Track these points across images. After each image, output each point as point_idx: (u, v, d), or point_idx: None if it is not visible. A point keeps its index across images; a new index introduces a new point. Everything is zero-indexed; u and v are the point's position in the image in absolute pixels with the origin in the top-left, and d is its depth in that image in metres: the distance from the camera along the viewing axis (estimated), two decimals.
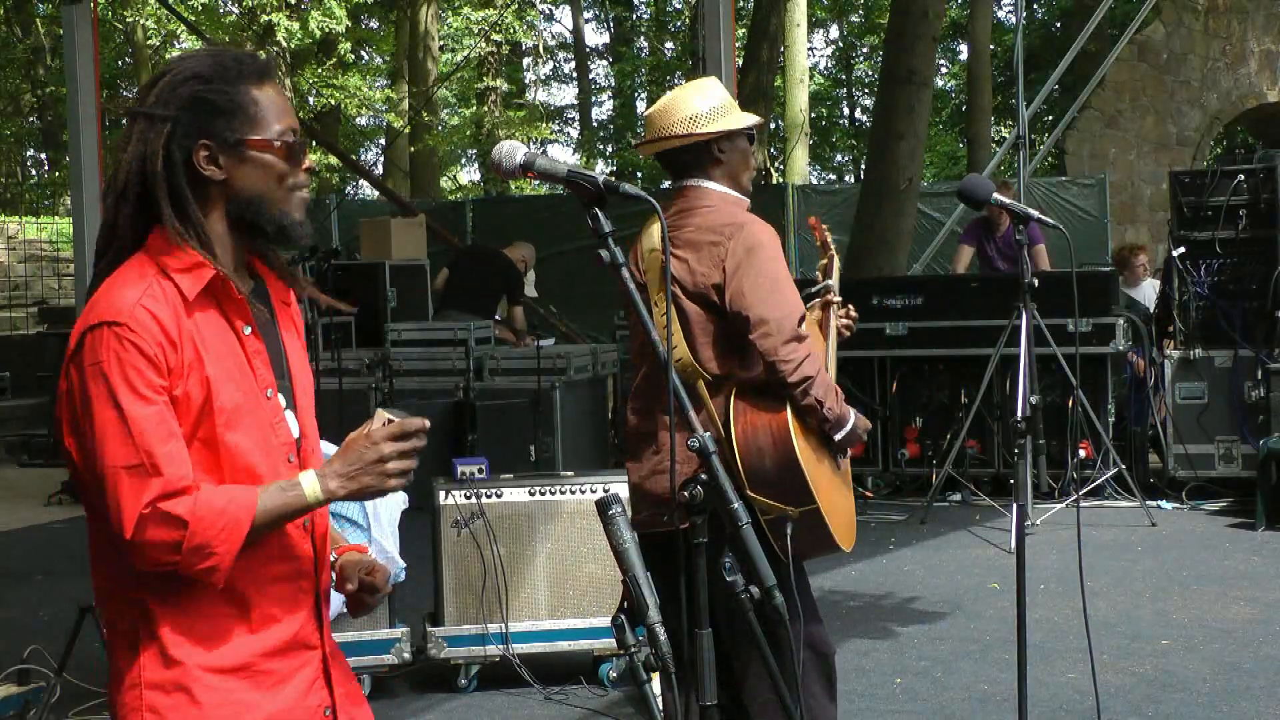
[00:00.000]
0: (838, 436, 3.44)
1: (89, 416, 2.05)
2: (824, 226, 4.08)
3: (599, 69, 34.68)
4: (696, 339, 3.45)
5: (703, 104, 3.51)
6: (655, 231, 3.55)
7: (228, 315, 2.17)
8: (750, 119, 3.57)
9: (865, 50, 33.13)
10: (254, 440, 2.15)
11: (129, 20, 21.57)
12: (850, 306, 3.85)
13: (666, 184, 3.81)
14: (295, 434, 2.23)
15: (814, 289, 3.84)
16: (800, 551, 3.37)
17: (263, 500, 2.08)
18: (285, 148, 2.18)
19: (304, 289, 2.34)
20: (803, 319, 3.41)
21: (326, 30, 20.97)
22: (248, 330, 2.19)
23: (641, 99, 33.41)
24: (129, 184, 2.15)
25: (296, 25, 20.45)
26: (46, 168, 30.94)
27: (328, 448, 2.43)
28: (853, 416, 3.48)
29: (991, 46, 21.37)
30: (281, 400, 2.22)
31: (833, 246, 3.99)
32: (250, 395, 2.16)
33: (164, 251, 2.13)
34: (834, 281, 3.85)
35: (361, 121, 28.83)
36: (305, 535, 2.23)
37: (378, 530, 5.04)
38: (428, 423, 2.13)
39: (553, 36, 33.49)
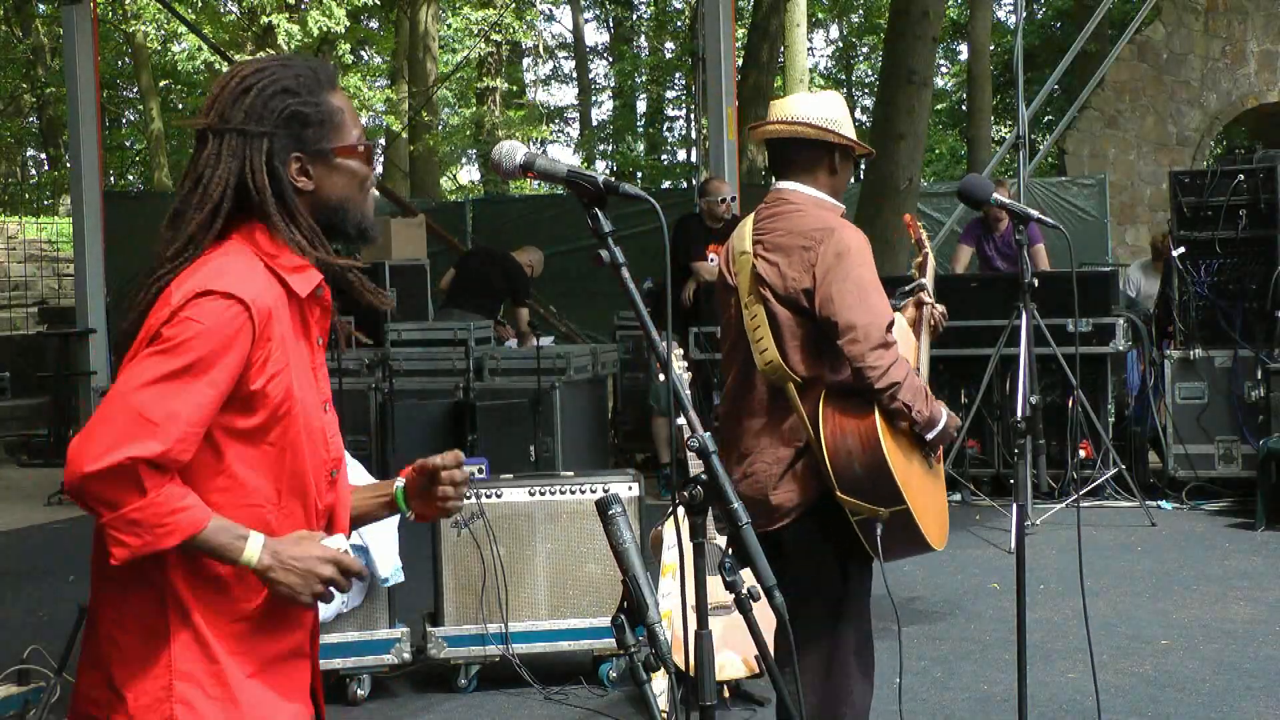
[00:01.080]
0: (929, 436, 3.48)
1: (154, 355, 2.02)
2: (919, 224, 4.10)
3: (599, 69, 34.69)
4: (786, 342, 3.48)
5: (840, 113, 3.59)
6: (747, 233, 3.59)
7: (308, 324, 2.20)
8: (865, 146, 3.66)
9: (865, 50, 33.13)
10: (311, 450, 2.17)
11: (130, 29, 21.58)
12: (941, 305, 3.86)
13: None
14: (339, 452, 2.26)
15: (907, 287, 3.87)
16: (891, 552, 3.43)
17: (210, 529, 2.04)
18: (366, 151, 2.23)
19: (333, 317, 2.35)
20: (891, 325, 3.41)
21: (326, 30, 20.96)
22: (320, 342, 2.23)
23: (641, 99, 33.42)
24: (223, 199, 2.14)
25: (296, 28, 20.46)
26: (46, 168, 30.94)
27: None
28: (944, 416, 3.49)
29: (991, 46, 21.35)
30: (334, 417, 2.26)
31: (928, 244, 4.01)
32: (314, 406, 2.19)
33: (271, 251, 2.15)
34: (928, 279, 3.87)
35: (361, 121, 28.80)
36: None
37: (378, 530, 5.03)
38: (366, 575, 2.19)
39: (553, 36, 33.52)
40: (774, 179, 3.68)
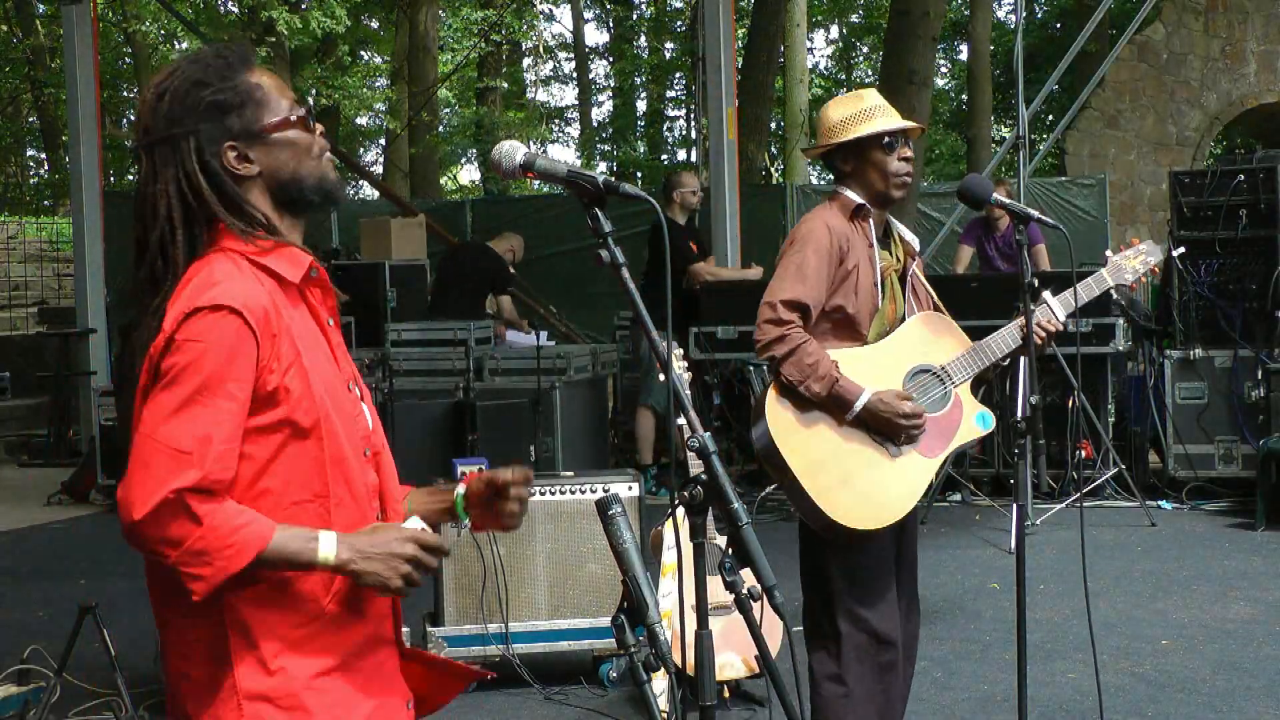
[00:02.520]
0: (848, 416, 3.59)
1: (166, 388, 2.00)
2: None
3: (599, 69, 34.68)
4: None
5: (837, 115, 3.75)
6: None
7: (312, 306, 2.18)
8: (872, 127, 3.70)
9: (865, 50, 33.11)
10: (347, 433, 2.14)
11: (131, 28, 21.57)
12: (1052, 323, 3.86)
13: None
14: (370, 426, 2.23)
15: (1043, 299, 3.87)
16: (806, 521, 3.63)
17: (279, 538, 2.01)
18: (301, 120, 2.19)
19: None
20: (792, 304, 3.59)
21: (327, 29, 20.96)
22: (330, 322, 2.20)
23: (641, 99, 33.40)
24: (171, 212, 2.11)
25: (297, 20, 20.44)
26: (46, 168, 30.92)
27: None
28: (861, 399, 3.58)
29: (991, 47, 21.35)
30: (357, 393, 2.23)
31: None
32: (338, 386, 2.16)
33: (245, 246, 2.11)
34: (1054, 306, 3.88)
35: (361, 121, 28.82)
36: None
37: None
38: (450, 549, 2.15)
39: (553, 36, 33.50)
40: None
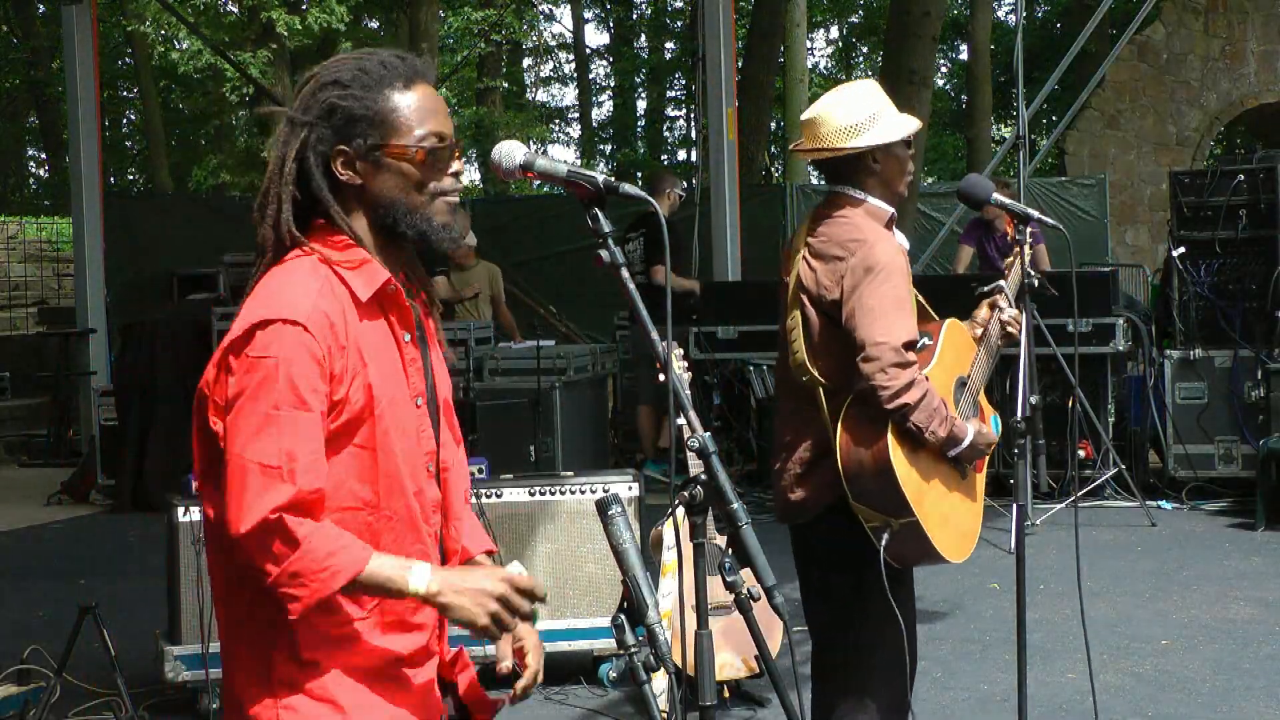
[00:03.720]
0: (952, 453, 3.42)
1: (244, 406, 2.03)
2: (1013, 224, 4.01)
3: (599, 69, 34.68)
4: (816, 347, 3.46)
5: (860, 114, 3.49)
6: (804, 231, 3.58)
7: (391, 321, 2.18)
8: (906, 128, 3.54)
9: (865, 50, 33.12)
10: (403, 448, 2.16)
11: (130, 27, 21.55)
12: (1014, 308, 3.79)
13: None
14: (435, 444, 2.25)
15: (986, 288, 3.82)
16: (903, 559, 3.44)
17: (374, 564, 2.05)
18: (425, 153, 2.16)
19: (437, 298, 2.36)
20: (912, 344, 3.37)
21: (325, 25, 20.92)
22: (407, 338, 2.20)
23: (641, 99, 33.42)
24: (270, 185, 2.16)
25: (297, 20, 20.41)
26: (47, 168, 30.93)
27: None
28: (968, 435, 3.42)
29: (991, 46, 21.35)
30: (427, 410, 2.24)
31: (1022, 246, 3.94)
32: (404, 402, 2.17)
33: (332, 248, 2.14)
34: (1009, 282, 3.82)
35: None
36: (435, 544, 2.24)
37: None
38: (545, 593, 2.14)
39: (553, 37, 33.51)
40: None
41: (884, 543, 3.33)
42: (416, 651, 2.20)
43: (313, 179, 2.15)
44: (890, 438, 3.33)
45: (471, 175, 33.02)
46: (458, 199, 2.23)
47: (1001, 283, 3.81)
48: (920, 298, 3.66)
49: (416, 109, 2.16)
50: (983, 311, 3.79)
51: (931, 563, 3.51)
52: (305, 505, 2.02)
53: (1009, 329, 3.76)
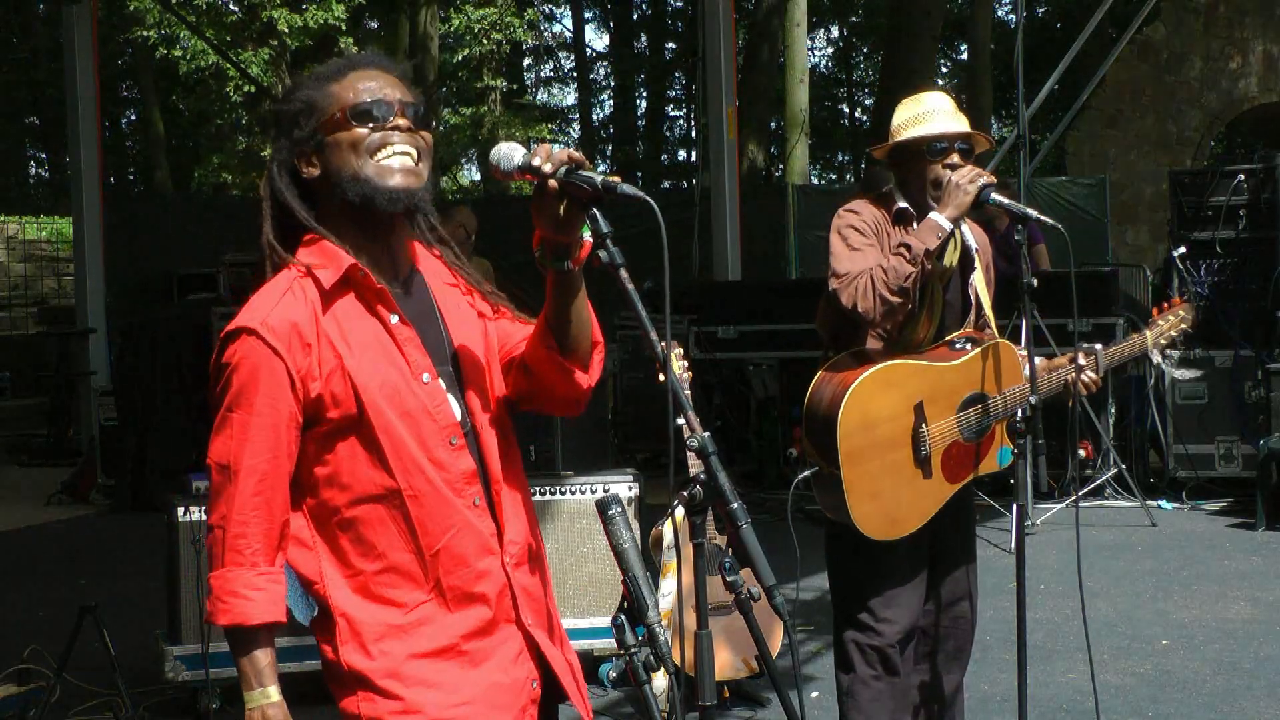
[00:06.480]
0: (932, 246, 3.50)
1: (215, 411, 2.16)
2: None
3: (599, 69, 34.69)
4: (822, 313, 3.76)
5: (896, 118, 3.71)
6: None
7: (370, 305, 2.20)
8: (917, 132, 3.63)
9: (865, 50, 33.13)
10: (410, 427, 2.17)
11: (133, 33, 21.53)
12: (1096, 375, 3.81)
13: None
14: (458, 416, 2.24)
15: (1085, 345, 3.84)
16: (826, 508, 3.61)
17: (252, 642, 2.12)
18: (352, 111, 2.18)
19: (452, 251, 2.37)
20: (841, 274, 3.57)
21: (323, 22, 20.92)
22: (394, 319, 2.20)
23: (641, 99, 33.42)
24: (266, 210, 2.24)
25: (298, 20, 20.42)
26: (47, 168, 30.93)
27: None
28: (924, 240, 3.50)
29: (991, 46, 21.35)
30: (443, 384, 2.23)
31: (1153, 329, 4.00)
32: (403, 382, 2.18)
33: (308, 252, 2.21)
34: (1111, 351, 3.86)
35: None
36: (483, 511, 2.23)
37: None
38: None
39: (553, 37, 33.51)
40: None
41: (802, 475, 3.58)
42: (484, 622, 2.21)
43: (282, 191, 2.22)
44: (854, 389, 3.50)
45: (472, 175, 32.99)
46: (410, 159, 2.20)
47: (1099, 348, 3.82)
48: (988, 306, 3.82)
49: (347, 87, 2.21)
50: (1063, 360, 3.80)
51: (846, 525, 3.59)
52: (250, 508, 2.13)
53: (1072, 386, 3.77)
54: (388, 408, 2.16)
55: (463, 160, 32.72)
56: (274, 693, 2.12)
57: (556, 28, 33.77)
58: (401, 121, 2.19)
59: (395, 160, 2.19)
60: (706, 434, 2.18)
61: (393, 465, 2.15)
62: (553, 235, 2.15)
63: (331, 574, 2.18)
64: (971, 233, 3.84)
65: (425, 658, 2.15)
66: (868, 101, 32.27)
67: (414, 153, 2.20)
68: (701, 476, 2.19)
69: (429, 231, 2.33)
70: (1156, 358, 3.99)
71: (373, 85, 2.21)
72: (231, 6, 21.55)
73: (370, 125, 2.18)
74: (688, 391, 2.19)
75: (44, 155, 31.65)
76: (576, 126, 34.15)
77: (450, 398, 2.24)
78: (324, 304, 2.17)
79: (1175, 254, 8.83)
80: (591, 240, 2.18)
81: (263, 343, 2.11)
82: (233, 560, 2.12)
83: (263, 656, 2.12)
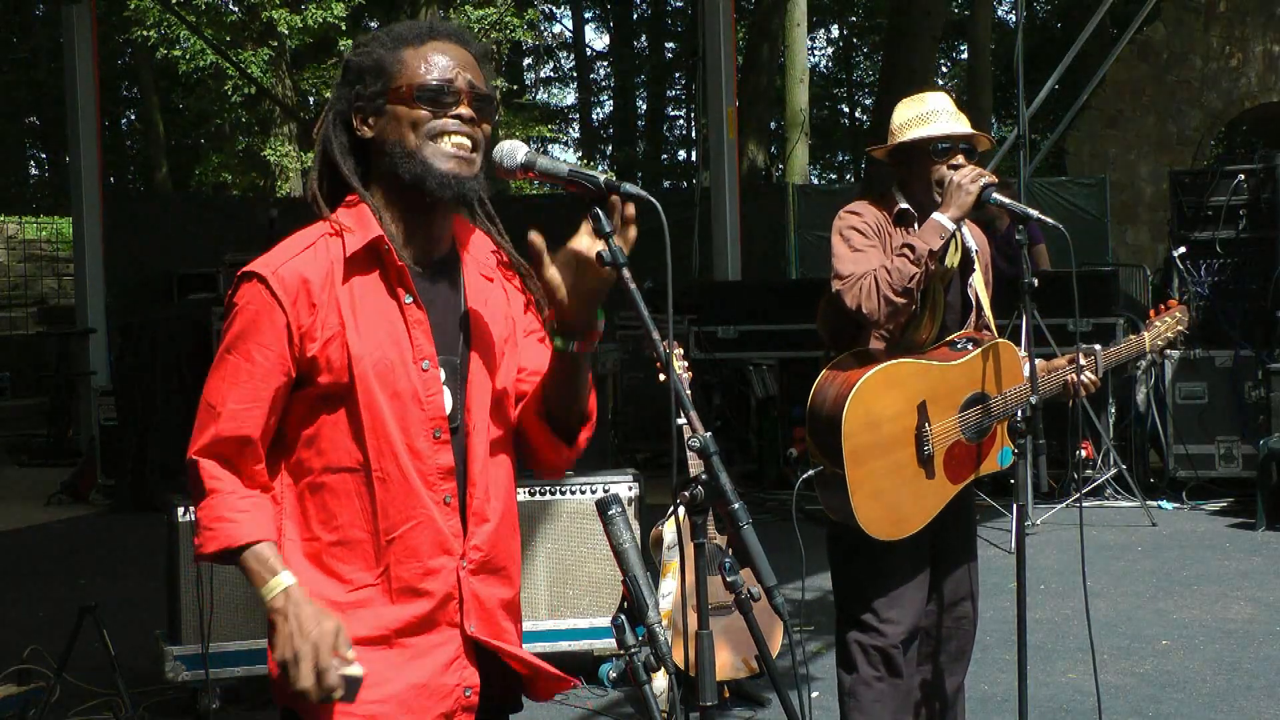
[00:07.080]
0: (935, 247, 3.51)
1: (219, 345, 2.17)
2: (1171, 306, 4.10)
3: (600, 69, 34.70)
4: (823, 314, 3.77)
5: (895, 118, 3.71)
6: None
7: (389, 282, 2.18)
8: (920, 132, 3.63)
9: (865, 50, 33.13)
10: (396, 411, 2.15)
11: (133, 34, 21.53)
12: (1096, 376, 3.83)
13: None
14: (448, 409, 2.20)
15: (1085, 346, 3.85)
16: (830, 509, 3.61)
17: (253, 550, 2.09)
18: (419, 91, 2.15)
19: (500, 238, 2.34)
20: (841, 275, 3.58)
21: (323, 22, 20.91)
22: (409, 300, 2.18)
23: (642, 99, 33.42)
24: (316, 159, 2.24)
25: (298, 19, 20.41)
26: (47, 168, 30.93)
27: None
28: (926, 241, 3.51)
29: (991, 46, 21.35)
30: (442, 374, 2.20)
31: (1152, 329, 4.04)
32: (400, 364, 2.16)
33: (346, 213, 2.19)
34: (1110, 351, 3.88)
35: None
36: (452, 511, 2.20)
37: None
38: (354, 680, 2.07)
39: (553, 37, 33.51)
40: None
41: (805, 475, 3.57)
42: (420, 619, 2.18)
43: (334, 141, 2.20)
44: (857, 390, 3.49)
45: None
46: (468, 150, 2.18)
47: (1098, 349, 3.83)
48: (988, 308, 3.85)
49: (423, 60, 2.18)
50: (1062, 360, 3.80)
51: (849, 525, 3.59)
52: (224, 455, 2.12)
53: (1071, 387, 3.78)
54: (378, 386, 2.14)
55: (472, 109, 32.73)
56: (288, 576, 2.09)
57: (556, 28, 33.80)
58: (464, 111, 2.18)
59: (451, 148, 2.17)
60: (708, 434, 2.18)
61: (368, 443, 2.14)
62: (569, 307, 2.16)
63: (290, 532, 2.18)
64: (970, 234, 3.84)
65: (354, 643, 2.10)
66: (868, 101, 32.28)
67: (470, 144, 2.19)
68: (702, 476, 2.19)
69: (487, 220, 2.32)
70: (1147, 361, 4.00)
71: (445, 63, 2.18)
72: (231, 6, 21.54)
73: (433, 108, 2.16)
74: (688, 391, 2.19)
75: (44, 155, 31.66)
76: (576, 126, 34.17)
77: (446, 390, 2.20)
78: (345, 269, 2.15)
79: (1175, 254, 8.83)
80: (603, 329, 2.26)
81: (268, 290, 2.11)
82: (213, 488, 2.11)
83: (264, 549, 2.10)
